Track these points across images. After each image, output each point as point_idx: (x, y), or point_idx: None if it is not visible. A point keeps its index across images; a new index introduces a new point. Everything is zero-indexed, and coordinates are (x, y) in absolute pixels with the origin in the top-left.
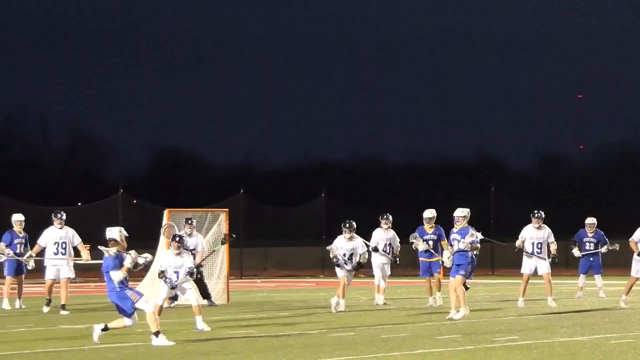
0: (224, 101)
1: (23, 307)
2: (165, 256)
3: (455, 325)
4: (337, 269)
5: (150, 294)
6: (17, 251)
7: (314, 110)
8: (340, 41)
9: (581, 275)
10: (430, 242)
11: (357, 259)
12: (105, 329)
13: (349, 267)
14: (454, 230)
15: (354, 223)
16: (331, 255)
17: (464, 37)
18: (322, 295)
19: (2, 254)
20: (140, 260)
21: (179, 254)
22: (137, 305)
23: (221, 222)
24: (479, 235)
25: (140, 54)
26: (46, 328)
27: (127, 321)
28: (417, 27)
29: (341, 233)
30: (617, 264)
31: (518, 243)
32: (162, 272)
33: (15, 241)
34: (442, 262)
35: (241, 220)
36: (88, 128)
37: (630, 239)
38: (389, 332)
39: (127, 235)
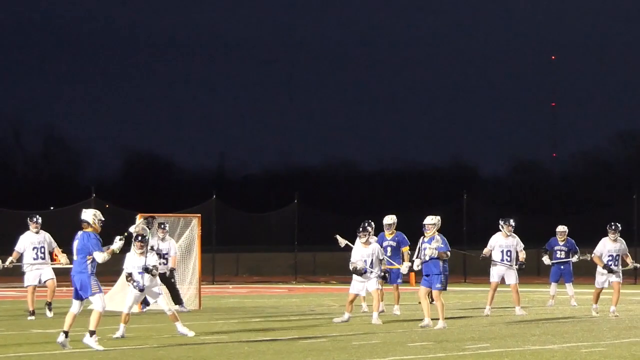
0: (198, 106)
1: None
2: (129, 258)
3: (426, 332)
4: (353, 282)
5: (122, 299)
6: None
7: (287, 116)
8: (315, 47)
9: (552, 283)
10: (389, 249)
11: (380, 267)
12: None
13: (373, 275)
14: (424, 239)
15: (368, 227)
16: (351, 268)
17: (440, 44)
18: (294, 301)
19: None
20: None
21: (142, 253)
22: (90, 297)
23: (193, 227)
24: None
25: (114, 57)
26: (18, 332)
27: (74, 306)
28: (393, 34)
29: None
30: (589, 272)
31: (485, 251)
32: (129, 274)
33: None
34: (402, 270)
35: (213, 226)
36: (61, 132)
37: (593, 254)
38: (360, 339)
39: (103, 219)
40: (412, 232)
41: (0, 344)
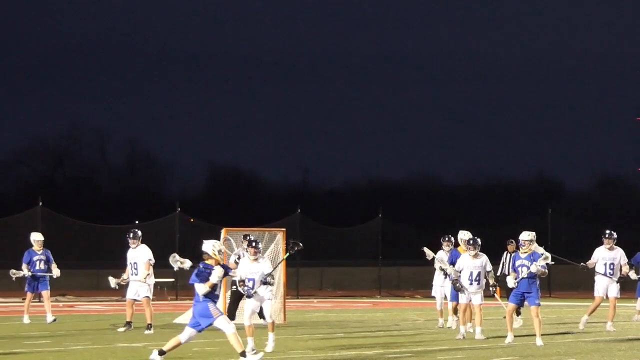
0: (282, 120)
1: (55, 319)
2: (242, 264)
3: (511, 348)
4: (460, 295)
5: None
6: (37, 267)
7: (370, 130)
8: (394, 59)
9: (639, 298)
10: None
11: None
12: (162, 353)
13: (473, 288)
14: (521, 255)
15: (478, 239)
16: (453, 277)
17: (522, 58)
18: (378, 315)
19: (21, 271)
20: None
21: (255, 259)
22: (216, 323)
23: (278, 242)
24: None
25: (199, 71)
26: (103, 346)
27: (186, 334)
28: (473, 46)
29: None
30: None
31: (589, 263)
32: (242, 280)
33: (34, 258)
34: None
35: (298, 240)
36: (146, 146)
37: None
38: (445, 354)
39: (222, 249)
40: (495, 246)
41: (85, 357)
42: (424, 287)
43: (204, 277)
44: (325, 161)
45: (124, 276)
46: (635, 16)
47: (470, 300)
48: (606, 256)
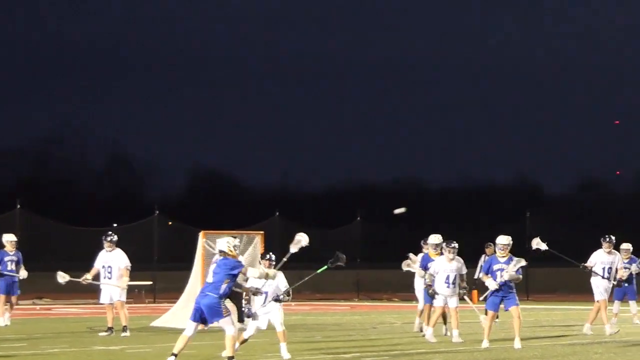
0: (262, 123)
1: (8, 324)
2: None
3: (489, 351)
4: (436, 298)
5: (184, 316)
6: (8, 268)
7: (350, 133)
8: (379, 64)
9: (616, 301)
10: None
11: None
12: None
13: (449, 291)
14: (499, 259)
15: (455, 243)
16: (427, 282)
17: (505, 62)
18: (356, 318)
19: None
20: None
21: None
22: (221, 322)
23: (256, 245)
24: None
25: (179, 75)
26: (80, 349)
27: (189, 329)
28: (467, 48)
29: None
30: None
31: (589, 264)
32: (258, 289)
33: (6, 259)
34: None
35: (276, 243)
36: (125, 149)
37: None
38: (422, 357)
39: (238, 244)
40: (474, 249)
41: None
42: (402, 290)
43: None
44: (305, 164)
45: (87, 276)
46: (618, 20)
47: (447, 304)
48: (605, 260)
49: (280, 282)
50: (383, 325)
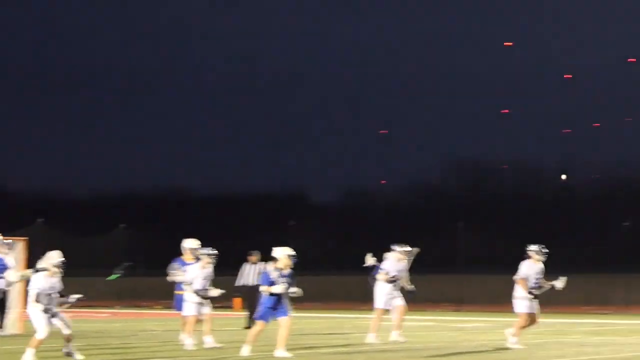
0: (29, 127)
1: None
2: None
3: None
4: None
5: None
6: None
7: (115, 138)
8: (142, 69)
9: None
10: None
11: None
12: None
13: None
14: (279, 270)
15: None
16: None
17: (264, 66)
18: (117, 326)
19: None
20: None
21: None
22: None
23: (19, 251)
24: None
25: None
26: None
27: None
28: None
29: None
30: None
31: (521, 276)
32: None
33: None
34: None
35: (40, 249)
36: None
37: (516, 277)
38: None
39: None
40: (236, 257)
41: None
42: (164, 297)
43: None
44: (70, 170)
45: None
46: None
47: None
48: (538, 271)
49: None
50: (144, 332)
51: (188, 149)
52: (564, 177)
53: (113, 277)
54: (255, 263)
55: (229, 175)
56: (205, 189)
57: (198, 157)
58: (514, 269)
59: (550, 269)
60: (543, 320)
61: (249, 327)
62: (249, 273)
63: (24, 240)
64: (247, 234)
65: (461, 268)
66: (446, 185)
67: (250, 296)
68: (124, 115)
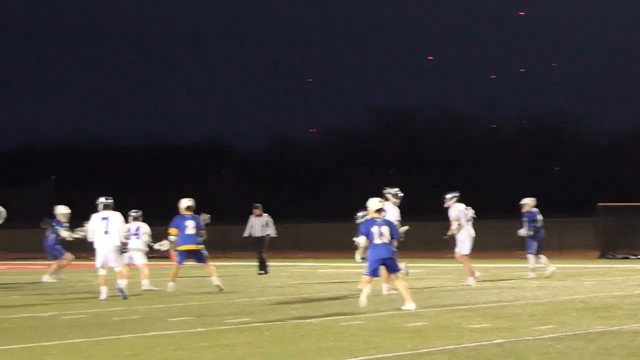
0: None
1: None
2: None
3: (187, 307)
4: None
5: None
6: None
7: (35, 92)
8: (71, 22)
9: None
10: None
11: None
12: None
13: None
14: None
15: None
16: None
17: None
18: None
19: None
20: None
21: None
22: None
23: None
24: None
25: None
26: None
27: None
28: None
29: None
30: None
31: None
32: None
33: None
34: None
35: None
36: None
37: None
38: (121, 315)
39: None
40: (164, 209)
41: None
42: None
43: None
44: None
45: None
46: None
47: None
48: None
49: None
50: (82, 283)
51: (112, 97)
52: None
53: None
54: (259, 215)
55: (156, 124)
56: (130, 140)
57: (123, 106)
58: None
59: (485, 214)
60: (480, 265)
61: (263, 273)
62: (254, 225)
63: None
64: (177, 184)
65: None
66: (373, 133)
67: (258, 246)
68: (50, 67)
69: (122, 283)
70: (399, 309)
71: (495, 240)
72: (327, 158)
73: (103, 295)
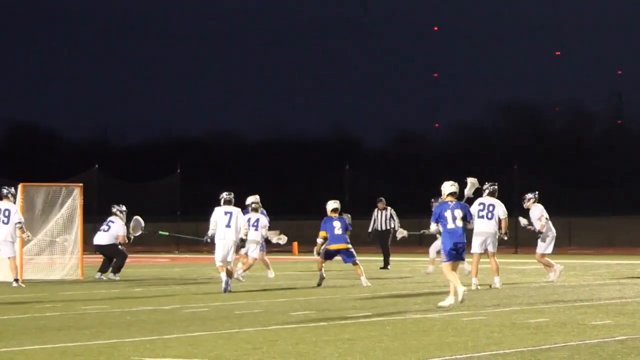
0: (80, 76)
1: None
2: None
3: (308, 302)
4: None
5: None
6: None
7: (167, 86)
8: (183, 14)
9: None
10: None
11: None
12: None
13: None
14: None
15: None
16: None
17: (309, 16)
18: (176, 271)
19: None
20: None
21: None
22: None
23: (75, 197)
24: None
25: None
26: None
27: None
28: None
29: None
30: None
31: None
32: None
33: None
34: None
35: (95, 195)
36: None
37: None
38: (242, 308)
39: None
40: (295, 203)
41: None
42: None
43: None
44: (124, 117)
45: None
46: None
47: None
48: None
49: None
50: (203, 277)
51: (239, 92)
52: None
53: (164, 233)
54: (384, 209)
55: (281, 120)
56: (257, 134)
57: (249, 102)
58: (570, 211)
59: (609, 211)
60: (602, 262)
61: (385, 267)
62: (378, 218)
63: (79, 186)
64: (303, 178)
65: (517, 211)
66: (498, 128)
67: (382, 239)
68: (179, 62)
69: (225, 277)
70: (520, 306)
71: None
72: (450, 153)
73: (224, 284)
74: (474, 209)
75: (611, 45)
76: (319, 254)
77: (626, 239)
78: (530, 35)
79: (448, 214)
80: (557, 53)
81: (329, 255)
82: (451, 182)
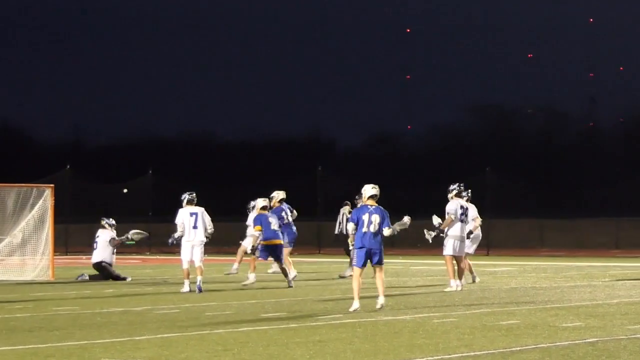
0: (51, 75)
1: None
2: None
3: (280, 303)
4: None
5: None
6: None
7: (141, 85)
8: (167, 15)
9: None
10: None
11: None
12: None
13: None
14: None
15: None
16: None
17: (291, 17)
18: (147, 272)
19: None
20: None
21: None
22: None
23: (46, 198)
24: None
25: None
26: None
27: None
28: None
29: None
30: None
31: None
32: None
33: None
34: None
35: (67, 196)
36: None
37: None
38: (214, 310)
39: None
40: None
41: None
42: None
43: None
44: (96, 117)
45: None
46: None
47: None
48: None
49: None
50: (174, 278)
51: (213, 93)
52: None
53: (130, 242)
54: (350, 212)
55: (255, 119)
56: (231, 135)
57: (222, 101)
58: (541, 213)
59: (581, 213)
60: (573, 264)
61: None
62: (343, 221)
63: (50, 187)
64: (274, 180)
65: (489, 213)
66: (471, 130)
67: (346, 242)
68: (152, 62)
69: (188, 282)
70: (491, 307)
71: (592, 239)
72: (423, 154)
73: (186, 288)
74: (457, 211)
75: (583, 48)
76: (253, 251)
77: (597, 241)
78: (503, 37)
79: (365, 217)
80: (529, 55)
81: (267, 251)
82: (372, 185)
